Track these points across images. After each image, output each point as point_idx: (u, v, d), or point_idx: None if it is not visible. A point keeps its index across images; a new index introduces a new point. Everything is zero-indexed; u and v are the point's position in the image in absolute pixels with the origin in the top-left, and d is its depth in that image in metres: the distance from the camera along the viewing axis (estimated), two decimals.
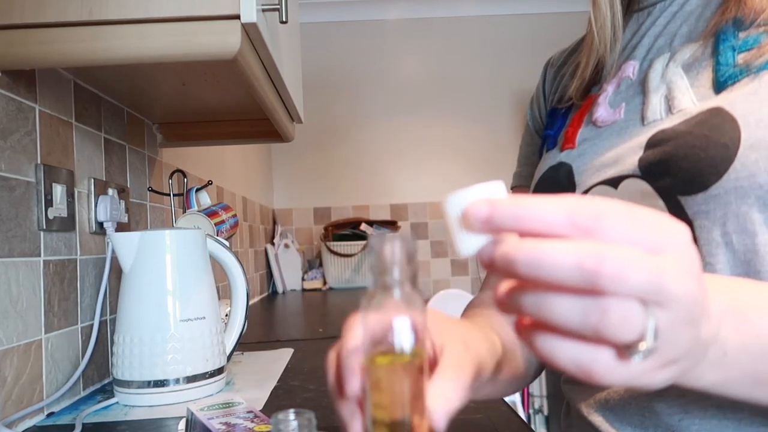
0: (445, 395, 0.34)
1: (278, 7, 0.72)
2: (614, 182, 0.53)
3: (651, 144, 0.50)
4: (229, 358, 0.90)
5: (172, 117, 1.17)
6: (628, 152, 0.52)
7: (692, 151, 0.46)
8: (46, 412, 0.77)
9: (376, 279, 0.32)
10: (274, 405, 0.76)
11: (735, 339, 0.34)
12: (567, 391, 0.60)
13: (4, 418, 0.68)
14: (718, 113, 0.46)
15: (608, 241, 0.27)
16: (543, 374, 1.73)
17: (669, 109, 0.51)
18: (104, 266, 0.91)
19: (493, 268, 0.29)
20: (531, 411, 2.33)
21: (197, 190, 1.19)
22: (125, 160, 1.06)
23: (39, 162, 0.77)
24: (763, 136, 0.43)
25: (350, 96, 3.14)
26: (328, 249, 2.69)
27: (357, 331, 0.37)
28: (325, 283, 2.77)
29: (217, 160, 1.82)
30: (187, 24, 0.66)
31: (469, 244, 0.30)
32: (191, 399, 0.78)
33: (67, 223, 0.83)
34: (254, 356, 1.08)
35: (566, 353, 0.29)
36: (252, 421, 0.62)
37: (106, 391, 0.87)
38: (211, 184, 1.25)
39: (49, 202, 0.78)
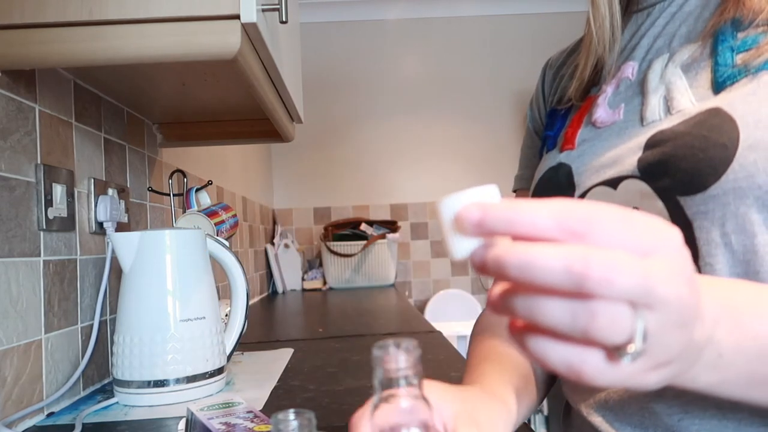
0: None
1: (278, 7, 0.72)
2: (613, 183, 0.53)
3: (650, 145, 0.50)
4: (229, 358, 0.90)
5: (172, 117, 1.17)
6: (627, 153, 0.52)
7: (691, 151, 0.46)
8: (46, 412, 0.77)
9: (381, 389, 0.33)
10: (274, 405, 0.76)
11: (730, 340, 0.34)
12: (567, 391, 0.60)
13: (4, 418, 0.68)
14: (716, 114, 0.46)
15: (598, 245, 0.28)
16: None
17: (668, 110, 0.51)
18: (104, 266, 0.91)
19: (484, 271, 0.30)
20: None
21: (197, 190, 1.19)
22: (125, 160, 1.06)
23: (39, 162, 0.77)
24: (762, 137, 0.43)
25: (350, 96, 3.14)
26: (328, 249, 2.69)
27: None
28: (325, 283, 2.77)
29: (217, 160, 1.82)
30: (187, 24, 0.66)
31: (462, 247, 0.31)
32: (191, 399, 0.78)
33: (67, 223, 0.83)
34: (254, 356, 1.08)
35: (557, 355, 0.29)
36: (252, 421, 0.62)
37: (106, 391, 0.87)
38: (211, 184, 1.25)
39: (49, 202, 0.78)
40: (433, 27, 3.20)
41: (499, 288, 0.31)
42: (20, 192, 0.73)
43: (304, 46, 2.99)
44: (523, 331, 0.31)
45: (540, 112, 0.74)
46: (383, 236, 2.72)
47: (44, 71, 0.79)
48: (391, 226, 2.80)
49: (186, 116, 1.17)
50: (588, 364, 0.29)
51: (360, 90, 3.15)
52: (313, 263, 2.93)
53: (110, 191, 0.97)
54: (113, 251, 0.82)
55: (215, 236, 1.02)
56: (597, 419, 0.53)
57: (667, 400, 0.47)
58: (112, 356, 0.86)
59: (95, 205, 0.92)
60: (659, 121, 0.51)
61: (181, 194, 1.20)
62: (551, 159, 0.62)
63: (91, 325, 0.89)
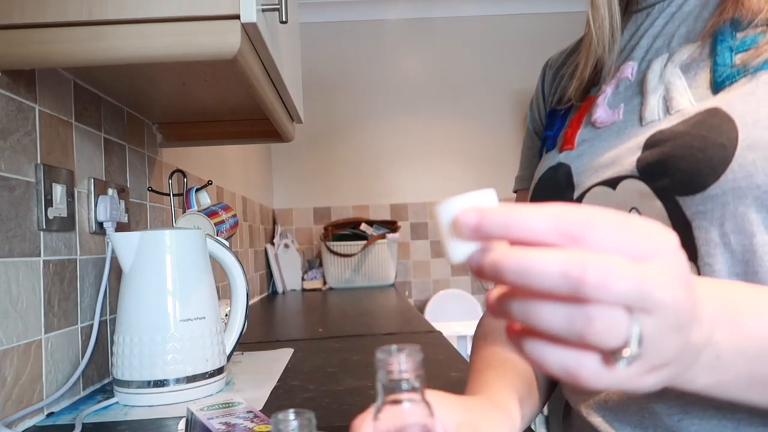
0: None
1: (278, 7, 0.72)
2: (612, 183, 0.53)
3: (649, 144, 0.50)
4: (229, 358, 0.90)
5: (172, 117, 1.17)
6: (626, 153, 0.52)
7: (690, 151, 0.46)
8: (46, 412, 0.77)
9: (384, 393, 0.33)
10: (274, 405, 0.76)
11: (728, 342, 0.34)
12: (566, 391, 0.60)
13: (4, 418, 0.68)
14: (715, 114, 0.46)
15: (595, 250, 0.28)
16: None
17: (667, 110, 0.51)
18: (104, 266, 0.91)
19: (481, 275, 0.30)
20: None
21: (197, 190, 1.19)
22: (125, 160, 1.06)
23: (39, 162, 0.77)
24: (761, 137, 0.43)
25: (350, 96, 3.14)
26: (328, 249, 2.69)
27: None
28: (325, 283, 2.77)
29: (217, 160, 1.82)
30: (187, 24, 0.66)
31: (460, 251, 0.31)
32: (191, 399, 0.78)
33: (67, 223, 0.83)
34: (254, 356, 1.08)
35: (554, 358, 0.30)
36: (252, 421, 0.62)
37: (106, 391, 0.87)
38: (211, 184, 1.25)
39: (49, 202, 0.78)
40: (433, 27, 3.20)
41: (496, 292, 0.31)
42: (20, 192, 0.73)
43: (304, 46, 2.99)
44: (521, 334, 0.31)
45: (540, 113, 0.74)
46: (383, 236, 2.72)
47: (44, 71, 0.79)
48: (391, 226, 2.80)
49: (186, 116, 1.17)
50: (584, 368, 0.29)
51: (360, 90, 3.15)
52: (313, 263, 2.93)
53: (110, 191, 0.97)
54: (113, 251, 0.82)
55: (215, 236, 1.02)
56: (597, 419, 0.53)
57: (667, 401, 0.47)
58: (112, 356, 0.86)
59: (95, 205, 0.92)
60: (658, 121, 0.51)
61: (181, 194, 1.20)
62: (551, 159, 0.62)
63: (91, 325, 0.89)
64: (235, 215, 1.22)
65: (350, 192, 3.13)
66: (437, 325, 1.47)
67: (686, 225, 0.47)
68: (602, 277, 0.27)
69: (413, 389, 0.33)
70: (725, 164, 0.44)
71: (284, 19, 0.73)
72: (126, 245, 0.80)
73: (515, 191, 0.78)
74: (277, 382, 0.89)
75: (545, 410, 0.68)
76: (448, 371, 0.90)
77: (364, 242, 2.69)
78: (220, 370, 0.84)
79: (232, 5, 0.65)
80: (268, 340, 1.30)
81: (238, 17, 0.66)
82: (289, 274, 2.68)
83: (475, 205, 0.30)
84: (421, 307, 3.08)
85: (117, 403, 0.80)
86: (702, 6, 0.54)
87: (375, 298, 2.22)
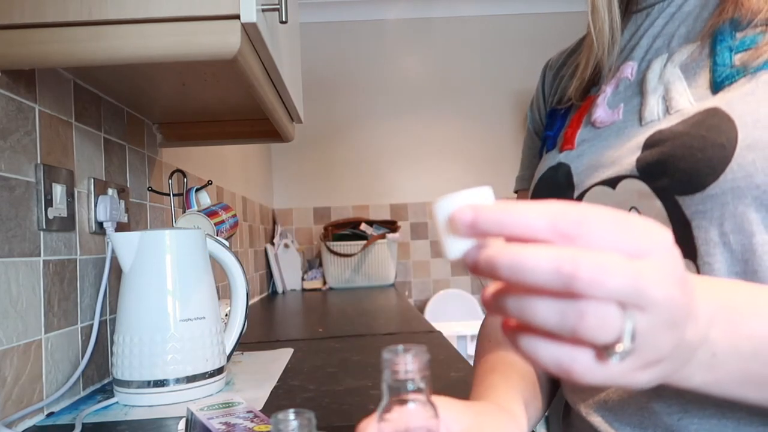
0: None
1: (278, 7, 0.72)
2: (612, 182, 0.53)
3: (648, 144, 0.50)
4: (229, 358, 0.90)
5: (172, 117, 1.17)
6: (626, 153, 0.52)
7: (689, 151, 0.46)
8: (46, 412, 0.77)
9: (389, 392, 0.34)
10: (274, 405, 0.76)
11: (725, 340, 0.35)
12: (566, 391, 0.60)
13: (4, 418, 0.68)
14: (715, 113, 0.46)
15: (590, 247, 0.28)
16: None
17: (666, 110, 0.51)
18: (104, 266, 0.91)
19: (477, 271, 0.30)
20: None
21: (197, 190, 1.19)
22: (125, 160, 1.06)
23: (39, 162, 0.77)
24: (760, 137, 0.43)
25: (350, 96, 3.14)
26: (328, 249, 2.69)
27: None
28: (324, 283, 2.77)
29: (217, 160, 1.82)
30: (187, 24, 0.66)
31: (456, 248, 0.31)
32: (191, 399, 0.78)
33: (67, 223, 0.83)
34: (254, 356, 1.08)
35: (547, 353, 0.30)
36: (252, 421, 0.62)
37: (106, 391, 0.87)
38: (211, 184, 1.25)
39: (48, 202, 0.78)
40: (433, 27, 3.20)
41: (492, 288, 0.32)
42: (20, 192, 0.73)
43: (304, 46, 2.99)
44: (516, 330, 0.31)
45: (540, 113, 0.74)
46: (383, 236, 2.71)
47: (44, 71, 0.79)
48: (391, 226, 2.80)
49: (186, 116, 1.17)
50: (578, 363, 0.30)
51: (360, 90, 3.15)
52: (313, 263, 2.93)
53: (110, 191, 0.97)
54: (113, 251, 0.82)
55: (215, 236, 1.02)
56: (596, 419, 0.53)
57: (667, 400, 0.47)
58: (112, 356, 0.86)
59: (95, 205, 0.92)
60: (658, 121, 0.51)
61: (181, 194, 1.20)
62: (551, 159, 0.62)
63: (91, 325, 0.89)
64: (235, 215, 1.22)
65: (350, 192, 3.13)
66: (437, 325, 1.47)
67: (686, 224, 0.47)
68: (595, 274, 0.27)
69: (419, 390, 0.33)
70: (725, 164, 0.44)
71: (284, 19, 0.73)
72: (126, 245, 0.80)
73: (516, 191, 0.78)
74: (277, 382, 0.89)
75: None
76: (448, 371, 0.90)
77: (364, 242, 2.69)
78: (220, 370, 0.84)
79: (232, 5, 0.65)
80: (268, 340, 1.30)
81: (238, 17, 0.66)
82: (289, 274, 2.68)
83: (472, 203, 0.31)
84: (421, 307, 3.08)
85: (117, 403, 0.80)
86: (702, 6, 0.54)
87: (375, 298, 2.22)
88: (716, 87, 0.48)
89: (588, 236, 0.28)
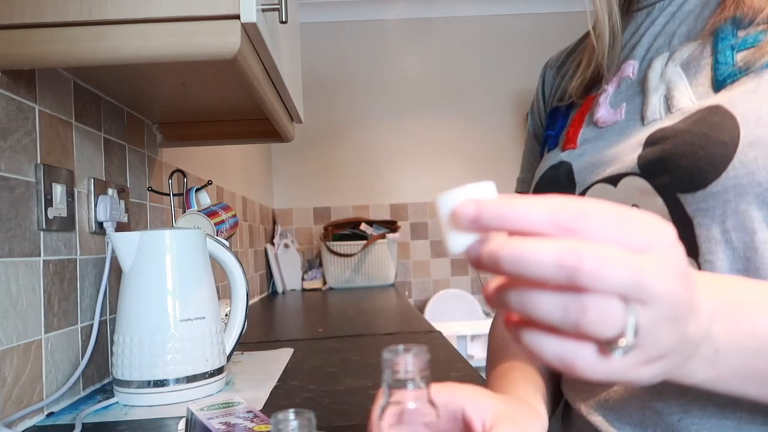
0: None
1: (278, 7, 0.72)
2: (613, 180, 0.53)
3: (650, 142, 0.50)
4: (229, 358, 0.90)
5: (172, 117, 1.17)
6: (628, 150, 0.53)
7: (691, 149, 0.46)
8: (45, 412, 0.77)
9: (389, 392, 0.34)
10: (274, 405, 0.76)
11: (727, 336, 0.35)
12: (566, 390, 0.60)
13: (4, 418, 0.68)
14: (716, 111, 0.46)
15: (591, 240, 0.28)
16: None
17: (668, 109, 0.51)
18: (104, 266, 0.91)
19: (480, 265, 0.30)
20: None
21: (197, 190, 1.19)
22: (125, 160, 1.06)
23: (39, 162, 0.77)
24: (762, 134, 0.43)
25: (350, 96, 3.14)
26: (328, 249, 2.69)
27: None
28: (324, 283, 2.77)
29: (217, 160, 1.82)
30: (187, 24, 0.66)
31: (459, 243, 0.31)
32: (191, 399, 0.78)
33: (67, 223, 0.83)
34: (254, 356, 1.08)
35: (550, 348, 0.30)
36: (252, 421, 0.62)
37: (106, 391, 0.87)
38: (211, 184, 1.25)
39: (48, 202, 0.78)
40: (433, 27, 3.20)
41: (494, 283, 0.32)
42: (20, 192, 0.73)
43: (304, 46, 2.99)
44: (519, 325, 0.31)
45: (540, 115, 0.74)
46: (383, 236, 2.71)
47: (44, 71, 0.79)
48: (391, 226, 2.80)
49: (186, 116, 1.17)
50: (580, 358, 0.29)
51: (360, 90, 3.15)
52: (313, 263, 2.93)
53: (110, 191, 0.97)
54: (113, 251, 0.82)
55: (215, 236, 1.02)
56: (597, 419, 0.53)
57: (668, 399, 0.47)
58: (112, 356, 0.86)
59: (95, 205, 0.92)
60: (660, 119, 0.51)
61: (181, 194, 1.20)
62: (552, 158, 0.62)
63: (91, 325, 0.89)
64: (235, 215, 1.22)
65: (350, 192, 3.13)
66: (437, 325, 1.47)
67: (687, 222, 0.47)
68: (597, 266, 0.27)
69: (419, 390, 0.33)
70: (726, 161, 0.44)
71: (284, 19, 0.73)
72: (126, 245, 0.80)
73: (516, 193, 0.78)
74: (277, 382, 0.89)
75: None
76: (448, 371, 0.90)
77: (364, 242, 2.69)
78: (220, 370, 0.84)
79: (232, 5, 0.65)
80: (268, 340, 1.30)
81: (238, 17, 0.66)
82: (289, 274, 2.68)
83: (475, 197, 0.31)
84: (421, 307, 3.08)
85: (117, 403, 0.80)
86: (703, 5, 0.54)
87: (375, 298, 2.22)
88: (718, 85, 0.48)
89: (589, 230, 0.28)
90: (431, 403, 0.34)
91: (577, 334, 0.29)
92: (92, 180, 0.92)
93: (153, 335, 0.77)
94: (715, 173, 0.44)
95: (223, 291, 1.66)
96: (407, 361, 0.33)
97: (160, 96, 1.00)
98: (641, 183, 0.50)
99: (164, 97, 1.01)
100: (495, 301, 0.31)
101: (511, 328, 0.32)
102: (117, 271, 0.93)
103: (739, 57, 0.47)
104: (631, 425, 0.50)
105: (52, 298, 0.79)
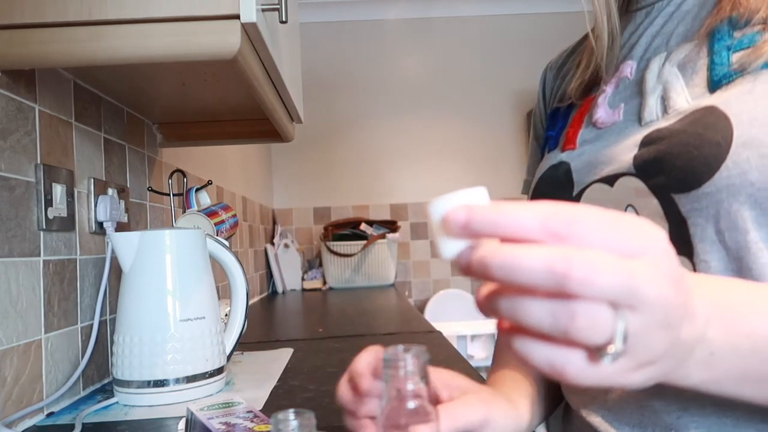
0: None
1: (278, 7, 0.72)
2: (610, 180, 0.54)
3: (646, 142, 0.50)
4: (229, 357, 0.90)
5: (172, 117, 1.17)
6: (624, 150, 0.53)
7: (686, 149, 0.46)
8: (45, 412, 0.77)
9: (390, 392, 0.34)
10: (274, 405, 0.76)
11: (722, 339, 0.35)
12: (566, 392, 0.60)
13: (4, 418, 0.68)
14: (711, 112, 0.46)
15: (582, 246, 0.28)
16: None
17: (665, 109, 0.51)
18: (104, 266, 0.91)
19: (470, 272, 0.30)
20: None
21: (197, 190, 1.19)
22: (125, 160, 1.06)
23: (39, 162, 0.77)
24: (756, 135, 0.43)
25: (350, 96, 3.14)
26: (328, 249, 2.69)
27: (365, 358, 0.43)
28: (324, 283, 2.77)
29: (217, 160, 1.82)
30: (187, 24, 0.66)
31: (450, 249, 0.31)
32: (191, 399, 0.78)
33: (67, 223, 0.83)
34: (254, 356, 1.08)
35: (541, 355, 0.30)
36: (252, 421, 0.62)
37: (106, 391, 0.87)
38: (211, 184, 1.25)
39: (48, 202, 0.78)
40: (433, 27, 3.20)
41: (485, 289, 0.31)
42: (20, 192, 0.73)
43: (304, 46, 2.99)
44: (510, 331, 0.31)
45: (541, 117, 0.74)
46: (383, 236, 2.71)
47: (44, 71, 0.79)
48: (391, 226, 2.80)
49: (186, 116, 1.17)
50: (570, 365, 0.29)
51: (360, 90, 3.15)
52: (313, 263, 2.93)
53: (110, 191, 0.97)
54: (113, 251, 0.82)
55: (215, 236, 1.02)
56: (596, 419, 0.53)
57: (666, 399, 0.47)
58: (112, 356, 0.86)
59: (95, 205, 0.92)
60: (656, 120, 0.51)
61: (181, 194, 1.20)
62: (552, 158, 0.63)
63: (91, 325, 0.89)
64: (235, 215, 1.22)
65: (350, 192, 3.13)
66: (437, 325, 1.47)
67: (682, 222, 0.47)
68: (587, 273, 0.27)
69: (418, 390, 0.33)
70: (720, 162, 0.44)
71: (284, 19, 0.73)
72: (126, 245, 0.80)
73: (524, 193, 0.79)
74: (277, 382, 0.89)
75: None
76: None
77: (364, 242, 2.69)
78: (220, 370, 0.84)
79: (232, 5, 0.65)
80: (268, 340, 1.30)
81: (238, 17, 0.66)
82: (289, 274, 2.68)
83: (466, 203, 0.30)
84: (421, 307, 3.08)
85: (117, 403, 0.80)
86: (700, 5, 0.54)
87: (375, 298, 2.22)
88: (714, 86, 0.48)
89: (579, 236, 0.28)
90: (431, 403, 0.34)
91: (566, 340, 0.29)
92: (92, 180, 0.92)
93: (153, 335, 0.77)
94: (709, 173, 0.44)
95: (223, 291, 1.67)
96: (407, 362, 0.33)
97: (160, 96, 1.00)
98: (637, 183, 0.51)
99: (164, 97, 1.01)
100: (486, 308, 0.31)
101: (503, 334, 0.32)
102: (117, 271, 0.93)
103: (735, 58, 0.48)
104: (629, 425, 0.50)
105: (52, 298, 0.79)
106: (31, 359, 0.74)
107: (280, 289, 2.64)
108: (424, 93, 3.17)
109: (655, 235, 0.30)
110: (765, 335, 0.36)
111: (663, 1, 0.58)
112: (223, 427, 0.61)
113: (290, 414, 0.34)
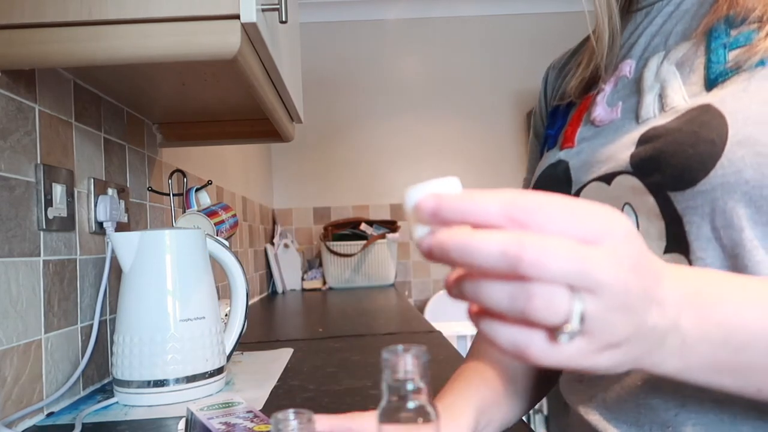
0: None
1: (278, 7, 0.72)
2: (607, 178, 0.54)
3: (642, 140, 0.51)
4: (228, 357, 0.91)
5: (172, 117, 1.17)
6: (621, 149, 0.53)
7: (681, 147, 0.46)
8: (45, 412, 0.77)
9: (389, 392, 0.34)
10: (274, 405, 0.76)
11: (695, 327, 0.35)
12: (564, 390, 0.60)
13: (4, 418, 0.68)
14: (707, 110, 0.46)
15: (540, 232, 0.29)
16: None
17: (662, 107, 0.51)
18: (104, 266, 0.91)
19: (431, 256, 0.31)
20: (531, 411, 2.33)
21: (197, 190, 1.19)
22: (125, 160, 1.06)
23: (39, 162, 0.77)
24: (751, 133, 0.43)
25: (350, 96, 3.14)
26: (328, 249, 2.69)
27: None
28: (324, 283, 2.77)
29: (217, 160, 1.82)
30: (187, 24, 0.66)
31: (422, 235, 0.32)
32: (191, 399, 0.78)
33: (67, 223, 0.83)
34: (254, 356, 1.08)
35: (504, 336, 0.31)
36: (252, 421, 0.62)
37: (106, 391, 0.87)
38: (211, 184, 1.25)
39: (48, 202, 0.78)
40: (433, 27, 3.20)
41: (454, 274, 0.33)
42: (20, 192, 0.73)
43: (304, 46, 2.99)
44: (478, 314, 0.33)
45: (542, 116, 0.74)
46: (383, 236, 2.71)
47: (44, 71, 0.79)
48: (391, 226, 2.80)
49: (186, 116, 1.17)
50: (533, 345, 0.31)
51: (360, 90, 3.15)
52: (312, 263, 2.93)
53: (110, 191, 0.97)
54: (113, 251, 0.82)
55: (215, 236, 1.02)
56: (594, 417, 0.53)
57: (664, 395, 0.47)
58: (112, 356, 0.86)
59: (95, 205, 0.92)
60: (653, 118, 0.52)
61: (181, 194, 1.20)
62: (551, 156, 0.63)
63: (91, 325, 0.89)
64: (235, 215, 1.22)
65: (350, 192, 3.13)
66: (437, 325, 1.47)
67: (678, 220, 0.47)
68: (538, 256, 0.28)
69: (418, 390, 0.33)
70: (715, 160, 0.44)
71: (284, 19, 0.73)
72: (126, 245, 0.80)
73: None
74: (277, 382, 0.89)
75: (545, 410, 0.69)
76: (448, 371, 0.90)
77: (364, 242, 2.69)
78: (219, 370, 0.84)
79: (232, 5, 0.65)
80: (268, 340, 1.30)
81: (238, 17, 0.66)
82: (289, 274, 2.68)
83: (438, 192, 0.31)
84: (421, 307, 3.08)
85: (117, 403, 0.80)
86: (699, 4, 0.55)
87: (375, 298, 2.22)
88: (710, 84, 0.48)
89: (539, 222, 0.29)
90: (431, 403, 0.34)
91: (527, 321, 0.30)
92: (92, 180, 0.92)
93: (153, 335, 0.77)
94: (704, 171, 0.45)
95: (223, 291, 1.67)
96: (407, 362, 0.33)
97: (160, 96, 1.00)
98: (633, 181, 0.51)
99: (164, 97, 1.01)
100: (453, 291, 0.33)
101: (472, 317, 0.33)
102: (117, 271, 0.93)
103: (731, 56, 0.48)
104: (627, 423, 0.50)
105: (52, 298, 0.79)
106: (31, 359, 0.74)
107: (280, 289, 2.64)
108: (424, 93, 3.17)
109: (616, 221, 0.31)
110: (736, 325, 0.36)
111: (663, 1, 0.58)
112: (223, 427, 0.61)
113: (290, 414, 0.34)
